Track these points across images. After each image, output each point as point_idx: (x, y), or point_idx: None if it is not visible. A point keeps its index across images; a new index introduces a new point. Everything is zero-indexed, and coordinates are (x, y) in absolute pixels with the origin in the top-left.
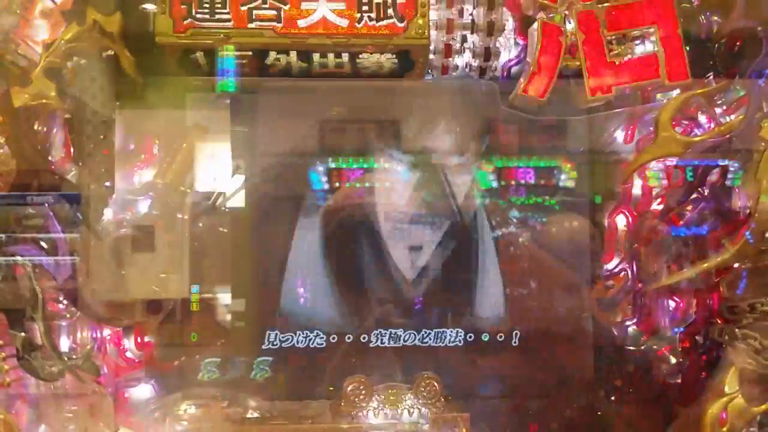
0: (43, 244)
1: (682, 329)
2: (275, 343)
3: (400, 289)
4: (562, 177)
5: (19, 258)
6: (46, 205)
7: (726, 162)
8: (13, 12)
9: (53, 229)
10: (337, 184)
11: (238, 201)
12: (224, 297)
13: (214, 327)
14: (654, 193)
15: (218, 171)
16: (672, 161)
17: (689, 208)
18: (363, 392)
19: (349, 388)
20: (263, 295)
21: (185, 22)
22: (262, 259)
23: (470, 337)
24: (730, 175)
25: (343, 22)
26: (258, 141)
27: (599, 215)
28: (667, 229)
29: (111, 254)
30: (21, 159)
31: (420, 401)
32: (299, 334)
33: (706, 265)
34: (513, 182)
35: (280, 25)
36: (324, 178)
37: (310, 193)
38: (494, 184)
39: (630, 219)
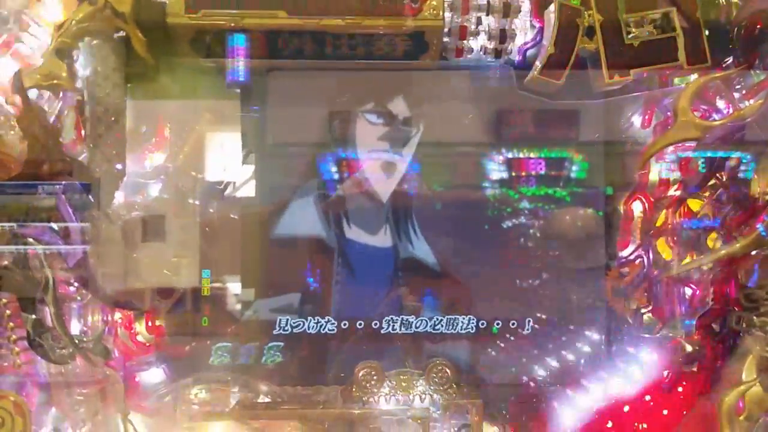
0: (54, 227)
1: (698, 317)
2: (286, 328)
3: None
4: (574, 168)
5: (30, 240)
6: (58, 188)
7: (738, 154)
8: None
9: (65, 212)
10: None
11: (249, 189)
12: (234, 285)
13: (226, 312)
14: (671, 179)
15: (228, 158)
16: (686, 150)
17: (707, 194)
18: (375, 378)
19: (360, 374)
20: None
21: (197, 3)
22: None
23: (482, 324)
24: (743, 167)
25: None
26: (268, 127)
27: (610, 206)
28: (678, 220)
29: (122, 238)
30: (32, 141)
31: (431, 387)
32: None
33: (722, 252)
34: (523, 173)
35: (293, 6)
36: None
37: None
38: (504, 175)
39: (646, 205)
